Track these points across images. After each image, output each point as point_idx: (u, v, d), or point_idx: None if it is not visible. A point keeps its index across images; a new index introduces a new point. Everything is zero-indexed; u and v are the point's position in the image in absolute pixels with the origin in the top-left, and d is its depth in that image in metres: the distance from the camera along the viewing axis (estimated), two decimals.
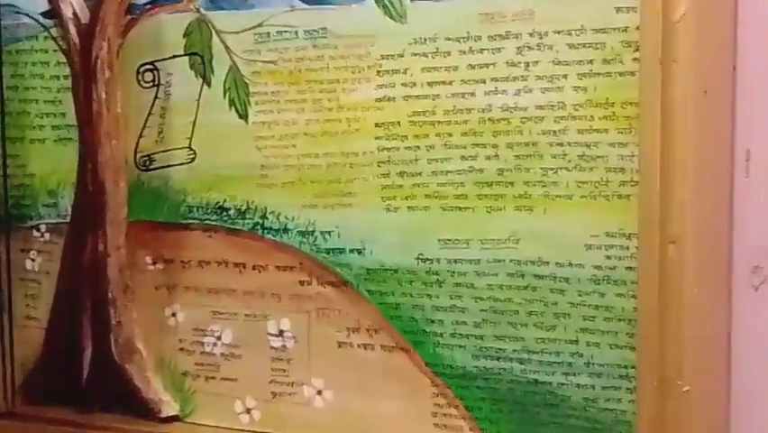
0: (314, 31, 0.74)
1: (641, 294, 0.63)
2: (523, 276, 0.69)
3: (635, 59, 0.64)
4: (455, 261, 0.71)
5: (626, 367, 0.67)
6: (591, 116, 0.66)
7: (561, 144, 0.67)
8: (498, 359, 0.70)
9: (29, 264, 0.87)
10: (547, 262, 0.68)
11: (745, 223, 0.66)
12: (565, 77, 0.66)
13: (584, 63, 0.66)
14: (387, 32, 0.71)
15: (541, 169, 0.68)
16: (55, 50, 0.83)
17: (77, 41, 0.80)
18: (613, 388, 0.67)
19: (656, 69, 0.60)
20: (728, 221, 0.66)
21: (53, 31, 0.83)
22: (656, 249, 0.62)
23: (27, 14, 0.84)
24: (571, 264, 0.68)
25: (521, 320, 0.69)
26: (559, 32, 0.66)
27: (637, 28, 0.63)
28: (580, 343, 0.68)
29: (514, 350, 0.70)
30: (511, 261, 0.69)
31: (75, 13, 0.80)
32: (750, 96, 0.65)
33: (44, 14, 0.83)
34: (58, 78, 0.84)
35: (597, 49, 0.65)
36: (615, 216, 0.66)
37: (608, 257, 0.66)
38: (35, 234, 0.87)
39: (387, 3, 0.71)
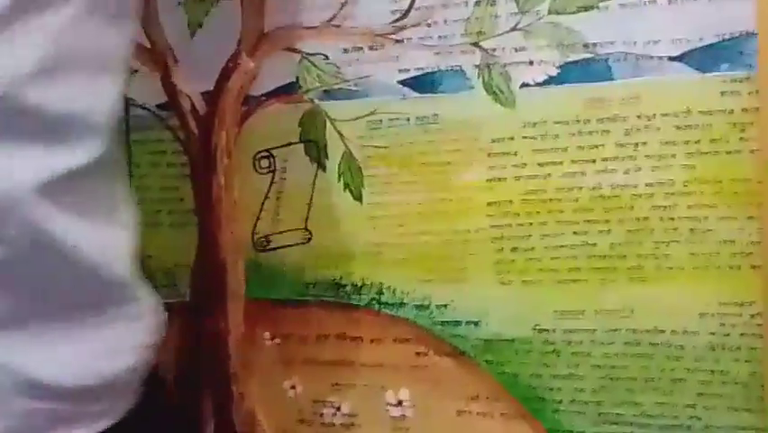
0: (425, 117, 0.78)
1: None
2: (639, 344, 0.73)
3: (741, 138, 0.68)
4: (571, 331, 0.75)
5: (743, 429, 0.70)
6: (700, 192, 0.70)
7: (671, 219, 0.71)
8: (617, 424, 0.74)
9: None
10: (663, 331, 0.72)
11: None
12: (673, 156, 0.71)
13: (691, 143, 0.70)
14: (496, 117, 0.76)
15: (653, 243, 0.72)
16: (172, 140, 0.88)
17: (195, 131, 0.85)
18: None
19: None
20: None
21: (170, 122, 0.88)
22: None
23: (142, 106, 0.89)
24: (685, 332, 0.72)
25: (638, 387, 0.73)
26: (666, 115, 0.71)
27: (743, 110, 0.68)
28: (698, 407, 0.72)
29: (633, 415, 0.74)
30: (627, 330, 0.73)
31: (193, 106, 0.85)
32: None
33: (160, 107, 0.88)
34: (174, 165, 0.88)
35: (703, 129, 0.70)
36: (727, 285, 0.70)
37: (722, 324, 0.70)
38: None
39: (496, 90, 0.76)
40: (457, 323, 0.79)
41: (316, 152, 0.82)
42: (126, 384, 0.59)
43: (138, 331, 0.59)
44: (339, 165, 0.82)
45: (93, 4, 0.52)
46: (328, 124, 0.82)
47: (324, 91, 0.81)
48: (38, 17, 0.50)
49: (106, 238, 0.57)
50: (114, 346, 0.57)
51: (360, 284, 0.82)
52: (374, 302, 0.82)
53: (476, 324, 0.78)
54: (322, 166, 0.82)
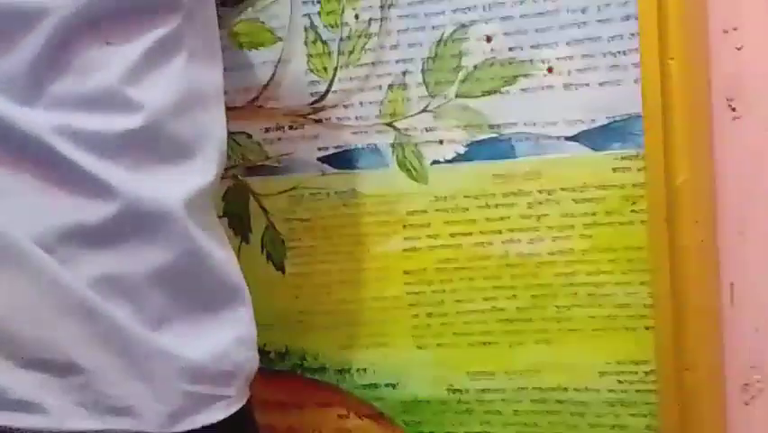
0: (344, 192, 0.83)
1: (662, 415, 0.73)
2: (545, 402, 0.78)
3: (632, 210, 0.75)
4: (483, 390, 0.80)
5: None
6: (598, 260, 0.77)
7: (572, 285, 0.77)
8: None
9: None
10: (566, 389, 0.78)
11: (732, 348, 0.76)
12: (572, 227, 0.77)
13: (588, 215, 0.76)
14: (410, 191, 0.81)
15: (556, 307, 0.78)
16: None
17: None
18: None
19: (663, 225, 0.72)
20: (719, 347, 0.76)
21: None
22: (672, 375, 0.72)
23: None
24: (587, 389, 0.77)
25: None
26: (564, 189, 0.77)
27: (633, 185, 0.75)
28: None
29: None
30: (534, 388, 0.79)
31: None
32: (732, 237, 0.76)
33: None
34: None
35: (599, 203, 0.76)
36: (624, 345, 0.76)
37: (621, 382, 0.76)
38: None
39: (409, 167, 0.81)
40: (376, 386, 0.83)
41: (240, 226, 0.87)
42: (248, 375, 0.67)
43: (251, 330, 0.67)
44: (262, 237, 0.86)
45: (192, 51, 0.63)
46: (251, 198, 0.86)
47: (248, 168, 0.86)
48: (166, 65, 0.62)
49: (223, 250, 0.66)
50: (239, 338, 0.65)
51: (283, 351, 0.86)
52: (297, 368, 0.86)
53: (394, 386, 0.83)
54: (245, 239, 0.87)
